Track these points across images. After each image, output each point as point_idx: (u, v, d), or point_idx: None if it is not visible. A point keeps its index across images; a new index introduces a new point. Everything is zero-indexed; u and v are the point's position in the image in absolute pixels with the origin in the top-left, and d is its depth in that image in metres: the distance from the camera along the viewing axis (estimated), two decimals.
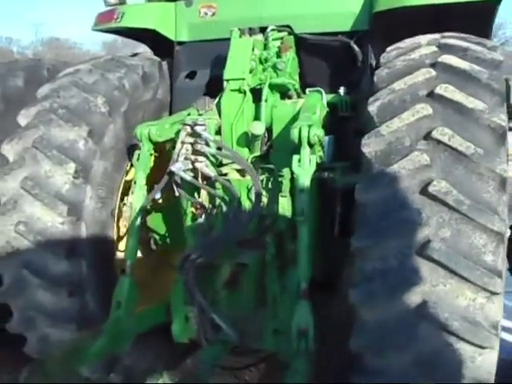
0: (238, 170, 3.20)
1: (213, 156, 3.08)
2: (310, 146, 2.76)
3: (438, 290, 2.21)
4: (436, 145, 2.32)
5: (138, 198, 3.09)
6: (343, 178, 3.03)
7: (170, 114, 3.83)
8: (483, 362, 2.19)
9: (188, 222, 3.23)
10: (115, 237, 3.46)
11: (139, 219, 3.10)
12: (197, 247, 2.90)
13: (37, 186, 3.02)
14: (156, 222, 3.87)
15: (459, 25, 3.06)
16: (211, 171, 3.04)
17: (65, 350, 2.78)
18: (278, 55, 3.35)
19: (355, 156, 2.70)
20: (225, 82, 3.24)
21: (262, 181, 3.12)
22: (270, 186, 3.14)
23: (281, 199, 3.04)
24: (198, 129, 2.98)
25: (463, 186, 2.24)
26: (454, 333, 2.18)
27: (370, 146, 2.46)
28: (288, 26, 3.47)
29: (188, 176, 2.98)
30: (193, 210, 3.14)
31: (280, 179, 3.11)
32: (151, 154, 3.15)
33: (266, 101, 3.22)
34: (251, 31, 3.32)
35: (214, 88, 3.70)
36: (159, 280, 4.10)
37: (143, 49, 4.69)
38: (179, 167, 2.96)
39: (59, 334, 3.14)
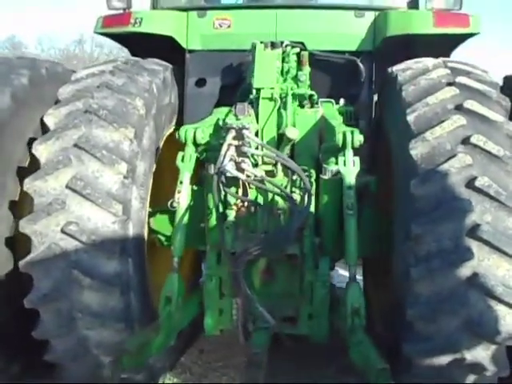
0: (267, 172, 3.49)
1: (253, 158, 3.35)
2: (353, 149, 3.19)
3: (484, 263, 2.78)
4: (473, 148, 2.90)
5: (184, 197, 3.24)
6: (359, 178, 3.50)
7: (181, 118, 3.98)
8: None
9: (224, 220, 3.43)
10: None
11: (186, 218, 3.25)
12: (256, 242, 3.12)
13: (88, 186, 3.02)
14: (160, 223, 3.97)
15: (439, 49, 3.77)
16: (257, 172, 3.30)
17: (134, 346, 2.84)
18: (299, 68, 3.73)
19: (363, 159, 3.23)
20: (254, 91, 3.53)
21: (293, 181, 3.46)
22: (297, 185, 3.49)
23: (309, 197, 3.39)
24: (245, 132, 3.23)
25: (498, 180, 2.84)
26: (498, 297, 2.75)
27: (416, 149, 2.97)
28: (301, 43, 3.87)
29: (242, 175, 3.21)
30: (234, 208, 3.36)
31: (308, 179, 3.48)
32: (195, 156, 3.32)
33: (288, 109, 3.58)
34: (273, 45, 3.66)
35: (225, 95, 3.97)
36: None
37: None
38: (231, 167, 3.18)
39: (100, 336, 3.14)
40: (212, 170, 3.47)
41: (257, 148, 3.31)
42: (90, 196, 3.01)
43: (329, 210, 3.48)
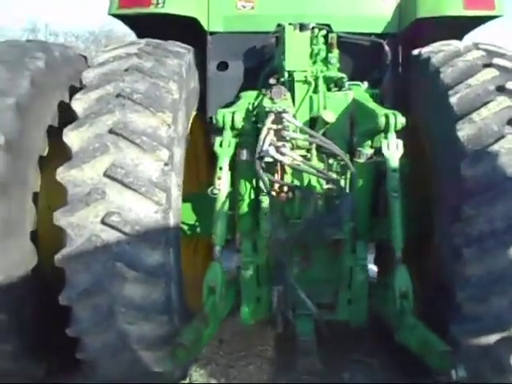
0: (301, 156, 3.42)
1: (291, 142, 3.27)
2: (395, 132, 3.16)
3: None
4: None
5: (225, 183, 3.13)
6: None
7: (203, 103, 3.85)
8: None
9: (259, 206, 3.35)
10: None
11: (227, 204, 3.15)
12: (302, 229, 3.06)
13: (130, 174, 2.87)
14: (184, 211, 3.84)
15: (458, 31, 3.79)
16: (297, 156, 3.23)
17: (189, 339, 2.74)
18: (328, 50, 3.66)
19: None
20: (286, 73, 3.45)
21: (329, 165, 3.41)
22: (334, 169, 3.44)
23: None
24: (286, 116, 3.15)
25: None
26: None
27: (463, 131, 2.97)
28: (327, 25, 3.80)
29: (286, 159, 3.12)
30: (273, 193, 3.28)
31: (342, 163, 3.44)
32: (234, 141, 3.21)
33: (319, 92, 3.52)
34: (302, 27, 3.57)
35: (248, 79, 3.87)
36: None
37: None
38: (273, 151, 3.09)
39: (141, 330, 3.01)
40: (245, 155, 3.38)
41: (295, 131, 3.23)
42: (132, 184, 2.85)
43: (363, 193, 3.46)
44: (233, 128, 3.25)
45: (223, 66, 3.91)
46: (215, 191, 3.15)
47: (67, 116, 3.59)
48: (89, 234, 2.87)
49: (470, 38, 4.09)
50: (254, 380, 3.79)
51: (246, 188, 3.46)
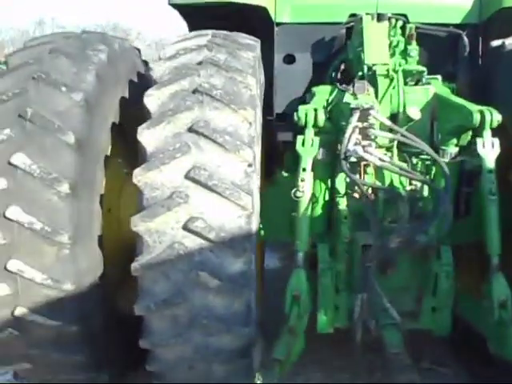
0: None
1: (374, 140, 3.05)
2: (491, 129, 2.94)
3: None
4: None
5: (308, 185, 2.93)
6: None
7: (268, 98, 3.63)
8: None
9: (338, 209, 3.15)
10: None
11: (310, 208, 2.94)
12: (397, 234, 2.86)
13: (214, 176, 2.66)
14: None
15: None
16: (384, 156, 3.01)
17: (283, 354, 2.56)
18: (407, 42, 3.43)
19: None
20: (365, 67, 3.23)
21: (413, 165, 3.20)
22: (418, 169, 3.23)
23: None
24: (373, 113, 2.93)
25: None
26: None
27: None
28: (403, 15, 3.56)
29: (374, 159, 2.91)
30: (355, 195, 3.07)
31: (426, 162, 3.23)
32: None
33: (399, 86, 3.29)
34: (379, 17, 3.35)
35: (316, 73, 3.65)
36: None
37: None
38: (361, 151, 2.88)
39: (220, 342, 2.82)
40: (321, 154, 3.18)
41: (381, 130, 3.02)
42: (217, 187, 2.64)
43: None
44: (314, 126, 3.03)
45: (290, 59, 3.68)
46: (299, 194, 2.94)
47: (127, 112, 3.40)
48: (169, 240, 2.67)
49: None
50: None
51: (320, 189, 3.25)
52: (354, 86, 3.07)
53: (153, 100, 2.88)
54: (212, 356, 2.85)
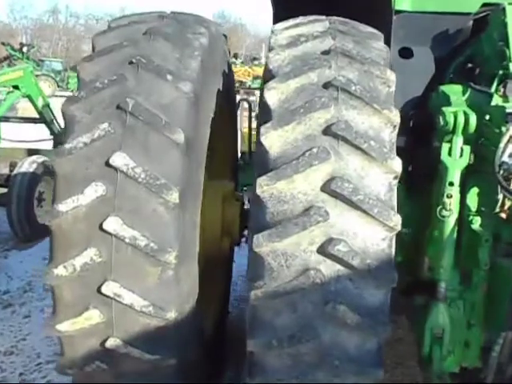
0: None
1: None
2: None
3: None
4: None
5: (456, 203, 2.47)
6: None
7: None
8: None
9: (471, 229, 2.69)
10: None
11: (456, 230, 2.49)
12: None
13: (359, 190, 2.19)
14: None
15: None
16: None
17: None
18: None
19: None
20: (511, 65, 2.76)
21: None
22: None
23: None
24: None
25: None
26: None
27: None
28: None
29: None
30: (502, 215, 2.61)
31: None
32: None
33: None
34: None
35: (436, 69, 3.19)
36: None
37: None
38: None
39: None
40: None
41: None
42: (363, 204, 2.18)
43: None
44: (463, 132, 2.56)
45: (407, 53, 3.20)
46: (445, 213, 2.48)
47: (217, 107, 2.94)
48: (300, 265, 2.21)
49: None
50: None
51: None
52: (505, 87, 2.61)
53: (275, 94, 2.40)
54: None
